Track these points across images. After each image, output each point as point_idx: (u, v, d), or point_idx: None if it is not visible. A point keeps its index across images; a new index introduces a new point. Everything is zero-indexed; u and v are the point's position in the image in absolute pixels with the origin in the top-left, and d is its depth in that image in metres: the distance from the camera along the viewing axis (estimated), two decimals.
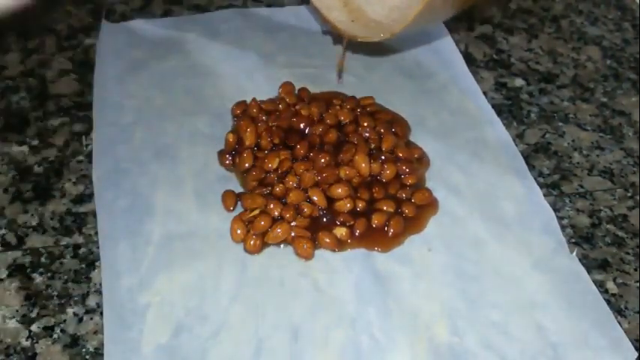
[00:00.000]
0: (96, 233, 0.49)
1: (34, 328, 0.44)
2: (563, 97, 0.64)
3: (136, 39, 0.65)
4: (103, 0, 0.64)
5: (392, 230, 0.50)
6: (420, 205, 0.52)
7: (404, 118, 0.60)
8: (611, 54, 0.70)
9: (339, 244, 0.49)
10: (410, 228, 0.51)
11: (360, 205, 0.51)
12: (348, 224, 0.50)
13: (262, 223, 0.49)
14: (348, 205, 0.51)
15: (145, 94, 0.60)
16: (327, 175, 0.51)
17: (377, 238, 0.50)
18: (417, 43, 0.67)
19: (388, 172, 0.53)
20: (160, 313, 0.45)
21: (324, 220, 0.50)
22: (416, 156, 0.56)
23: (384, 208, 0.51)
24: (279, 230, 0.49)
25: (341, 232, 0.49)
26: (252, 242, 0.48)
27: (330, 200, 0.51)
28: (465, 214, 0.52)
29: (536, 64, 0.68)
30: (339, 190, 0.51)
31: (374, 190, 0.52)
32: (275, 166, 0.52)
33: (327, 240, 0.49)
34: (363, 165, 0.53)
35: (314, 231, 0.50)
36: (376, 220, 0.50)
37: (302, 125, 0.56)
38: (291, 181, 0.51)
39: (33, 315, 0.45)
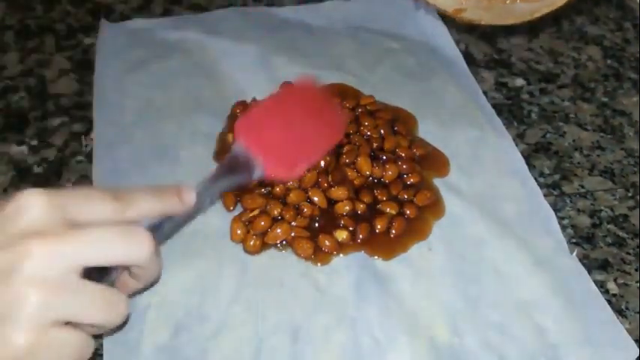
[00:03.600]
0: None
1: None
2: (564, 96, 0.64)
3: (136, 39, 0.65)
4: None
5: (394, 232, 0.50)
6: (422, 206, 0.52)
7: (409, 113, 0.59)
8: (611, 54, 0.70)
9: (340, 248, 0.49)
10: (414, 234, 0.50)
11: (361, 207, 0.51)
12: (350, 229, 0.50)
13: (262, 223, 0.49)
14: (347, 207, 0.51)
15: (145, 94, 0.60)
16: (329, 177, 0.51)
17: (380, 243, 0.50)
18: (418, 43, 0.67)
19: (390, 173, 0.53)
20: (159, 313, 0.45)
21: (318, 224, 0.50)
22: (418, 153, 0.56)
23: (387, 210, 0.51)
24: (279, 230, 0.49)
25: (342, 235, 0.49)
26: (252, 242, 0.48)
27: (330, 202, 0.51)
28: (465, 214, 0.52)
29: (536, 63, 0.68)
30: (340, 192, 0.51)
31: (377, 193, 0.52)
32: None
33: (328, 243, 0.49)
34: (366, 167, 0.52)
35: (314, 233, 0.49)
36: (379, 225, 0.50)
37: None
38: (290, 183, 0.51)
39: None
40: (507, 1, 0.57)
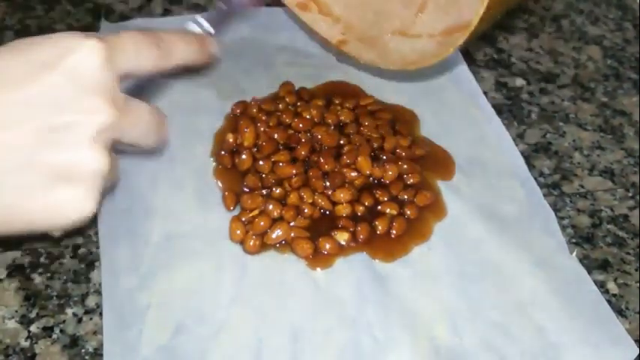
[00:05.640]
0: (95, 233, 0.49)
1: (33, 328, 0.44)
2: (564, 96, 0.64)
3: None
4: None
5: (395, 232, 0.50)
6: (423, 206, 0.52)
7: (411, 112, 0.60)
8: (611, 54, 0.70)
9: (341, 249, 0.49)
10: (415, 234, 0.50)
11: (361, 209, 0.51)
12: (350, 230, 0.50)
13: (262, 223, 0.49)
14: (347, 210, 0.50)
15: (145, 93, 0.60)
16: (331, 180, 0.51)
17: (381, 244, 0.50)
18: None
19: (390, 174, 0.53)
20: (159, 313, 0.45)
21: (318, 226, 0.50)
22: (417, 152, 0.56)
23: (387, 210, 0.51)
24: (279, 231, 0.49)
25: (343, 236, 0.49)
26: (251, 243, 0.48)
27: (332, 204, 0.51)
28: (465, 214, 0.52)
29: (536, 63, 0.68)
30: (342, 195, 0.51)
31: (377, 193, 0.52)
32: (268, 170, 0.52)
33: (328, 246, 0.49)
34: (366, 166, 0.52)
35: (315, 235, 0.49)
36: (380, 226, 0.50)
37: (302, 126, 0.56)
38: (290, 184, 0.51)
39: (32, 315, 0.45)
40: (389, 41, 0.54)
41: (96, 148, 0.27)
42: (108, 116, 0.27)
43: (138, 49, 0.29)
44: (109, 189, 0.30)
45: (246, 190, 0.52)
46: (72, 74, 0.27)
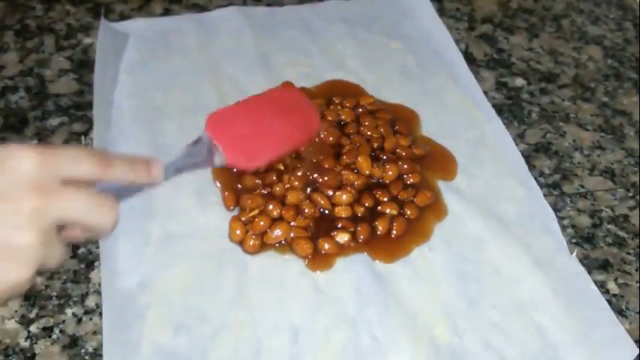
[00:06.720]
0: None
1: (33, 328, 0.44)
2: (564, 96, 0.64)
3: (136, 38, 0.65)
4: None
5: (395, 232, 0.50)
6: (423, 206, 0.52)
7: (412, 111, 0.60)
8: (612, 53, 0.69)
9: (341, 249, 0.49)
10: (415, 235, 0.50)
11: (361, 210, 0.51)
12: (351, 230, 0.49)
13: (262, 223, 0.49)
14: (346, 211, 0.50)
15: (145, 93, 0.60)
16: (330, 180, 0.51)
17: (381, 244, 0.49)
18: (418, 43, 0.67)
19: (390, 174, 0.53)
20: (159, 313, 0.45)
21: (318, 227, 0.50)
22: (417, 152, 0.55)
23: (387, 210, 0.51)
24: (278, 231, 0.49)
25: (343, 237, 0.49)
26: (251, 242, 0.48)
27: (332, 205, 0.51)
28: (465, 214, 0.52)
29: (537, 63, 0.68)
30: (344, 197, 0.51)
31: (377, 194, 0.52)
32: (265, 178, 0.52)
33: (328, 246, 0.49)
34: (366, 166, 0.52)
35: (315, 234, 0.49)
36: (380, 227, 0.50)
37: None
38: (290, 183, 0.51)
39: (32, 315, 0.45)
40: None
41: (27, 228, 0.30)
42: (32, 201, 0.31)
43: (76, 157, 0.33)
44: (51, 262, 0.32)
45: (245, 189, 0.52)
46: (6, 174, 0.31)
